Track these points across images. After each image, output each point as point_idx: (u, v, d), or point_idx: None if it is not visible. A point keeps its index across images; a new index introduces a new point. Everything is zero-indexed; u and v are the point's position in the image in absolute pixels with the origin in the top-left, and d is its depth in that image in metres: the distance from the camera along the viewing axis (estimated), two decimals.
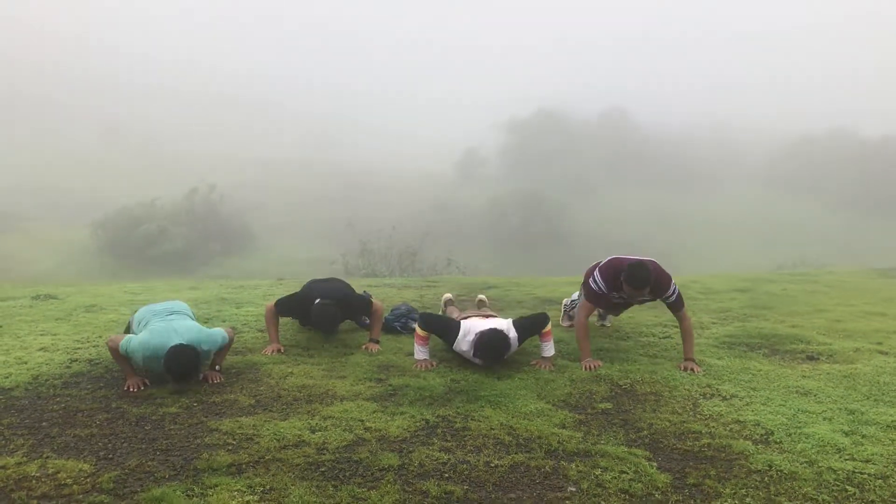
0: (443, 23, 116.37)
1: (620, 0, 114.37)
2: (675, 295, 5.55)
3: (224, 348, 5.15)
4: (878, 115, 63.41)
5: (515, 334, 5.46)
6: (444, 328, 5.60)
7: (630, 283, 5.36)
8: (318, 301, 5.92)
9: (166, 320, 5.07)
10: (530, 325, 5.58)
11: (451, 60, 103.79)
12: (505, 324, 5.53)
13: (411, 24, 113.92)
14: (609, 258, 5.87)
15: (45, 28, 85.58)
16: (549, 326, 5.58)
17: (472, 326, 5.49)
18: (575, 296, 7.04)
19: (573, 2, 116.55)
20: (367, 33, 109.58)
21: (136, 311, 5.51)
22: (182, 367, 4.70)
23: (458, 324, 5.57)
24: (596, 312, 6.72)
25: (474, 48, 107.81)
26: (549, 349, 5.55)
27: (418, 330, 5.53)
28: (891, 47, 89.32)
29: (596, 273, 5.75)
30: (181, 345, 4.75)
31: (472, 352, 5.37)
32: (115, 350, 4.85)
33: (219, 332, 5.12)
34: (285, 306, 6.08)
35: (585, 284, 5.86)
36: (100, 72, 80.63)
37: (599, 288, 5.68)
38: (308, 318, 6.12)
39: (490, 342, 5.26)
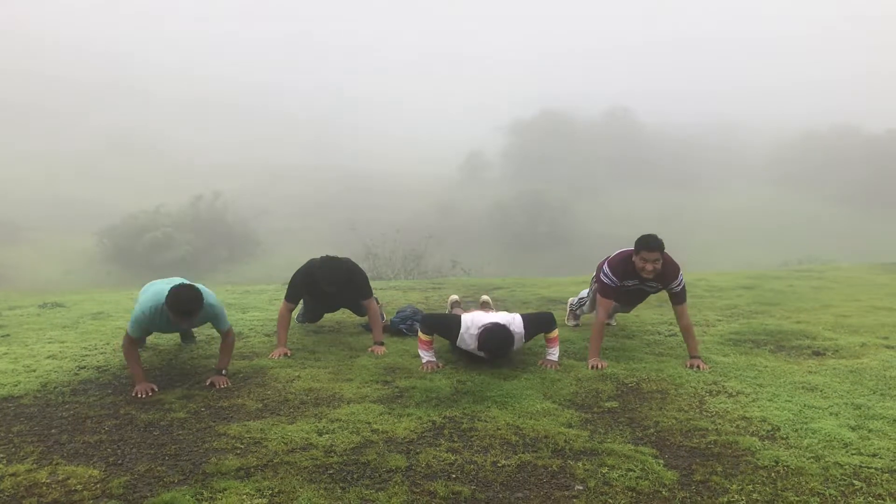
0: (445, 27, 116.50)
1: (623, 2, 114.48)
2: (680, 286, 5.60)
3: (227, 345, 5.17)
4: (881, 112, 63.25)
5: (522, 330, 5.45)
6: (445, 327, 5.60)
7: (645, 246, 5.42)
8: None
9: (169, 283, 5.17)
10: (537, 322, 5.58)
11: (454, 64, 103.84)
12: (509, 317, 5.52)
13: (413, 29, 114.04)
14: (616, 252, 5.93)
15: (49, 38, 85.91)
16: (555, 333, 5.58)
17: (475, 319, 5.49)
18: (584, 293, 7.02)
19: (575, 4, 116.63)
20: (369, 39, 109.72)
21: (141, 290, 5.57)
22: (185, 300, 4.73)
23: (459, 318, 5.57)
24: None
25: (477, 51, 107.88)
26: (554, 354, 5.55)
27: (421, 335, 5.54)
28: (893, 45, 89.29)
29: (605, 267, 5.80)
30: (184, 283, 4.86)
31: (476, 345, 5.37)
32: (128, 347, 4.93)
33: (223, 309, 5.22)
34: (292, 290, 6.19)
35: (598, 280, 5.90)
36: (103, 81, 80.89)
37: (611, 280, 5.71)
38: (315, 292, 6.22)
39: (495, 336, 5.25)
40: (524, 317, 5.57)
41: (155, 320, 4.96)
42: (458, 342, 5.52)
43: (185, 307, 4.75)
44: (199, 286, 5.05)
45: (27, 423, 4.30)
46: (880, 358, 5.68)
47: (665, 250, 5.55)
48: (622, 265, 5.67)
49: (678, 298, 5.63)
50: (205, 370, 5.35)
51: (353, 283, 6.25)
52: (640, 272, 5.54)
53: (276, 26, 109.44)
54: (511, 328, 5.36)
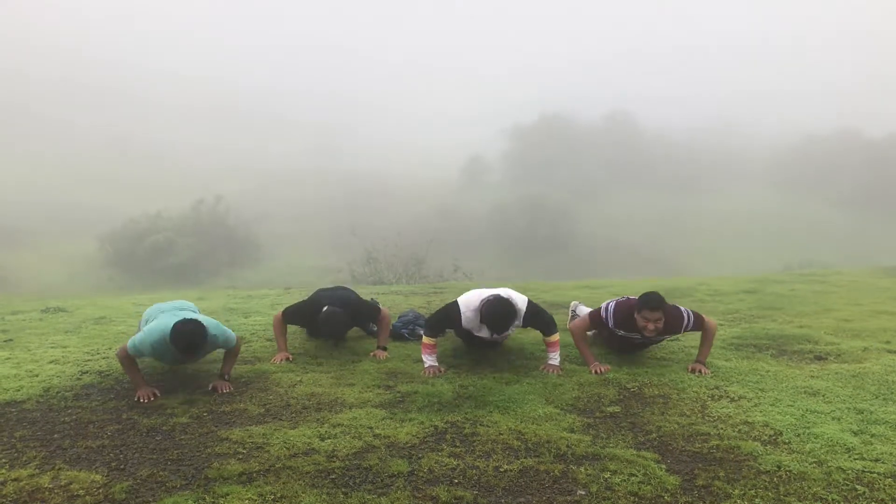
0: (446, 30, 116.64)
1: (624, 5, 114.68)
2: (691, 322, 5.51)
3: (232, 353, 5.17)
4: (882, 116, 63.33)
5: (524, 307, 5.45)
6: (446, 318, 5.61)
7: (646, 304, 5.30)
8: (326, 308, 5.92)
9: (174, 313, 5.11)
10: (538, 315, 5.56)
11: (455, 68, 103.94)
12: (511, 292, 5.52)
13: (415, 34, 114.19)
14: (626, 297, 5.84)
15: (50, 44, 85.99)
16: (556, 337, 5.56)
17: (473, 296, 5.51)
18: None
19: (576, 9, 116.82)
20: (371, 43, 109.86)
21: (145, 311, 5.54)
22: (188, 337, 4.68)
23: (455, 301, 5.59)
24: None
25: (478, 55, 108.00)
26: (555, 358, 5.54)
27: (425, 339, 5.54)
28: (894, 50, 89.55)
29: (610, 304, 5.72)
30: (187, 318, 4.77)
31: (478, 321, 5.39)
32: (124, 357, 4.86)
33: (228, 329, 5.15)
34: (293, 315, 6.12)
35: (596, 309, 5.84)
36: (104, 84, 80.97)
37: (606, 319, 5.66)
38: (316, 326, 6.13)
39: (497, 309, 5.27)
40: (529, 301, 5.56)
41: (159, 351, 4.89)
42: (464, 323, 5.51)
43: (188, 344, 4.71)
44: (200, 317, 5.02)
45: (30, 428, 4.30)
46: (882, 362, 5.68)
47: (666, 303, 5.45)
48: (624, 314, 5.56)
49: (696, 327, 5.56)
50: (207, 375, 5.35)
51: (360, 315, 6.24)
52: (643, 330, 5.43)
53: (276, 29, 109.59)
54: (514, 302, 5.37)
